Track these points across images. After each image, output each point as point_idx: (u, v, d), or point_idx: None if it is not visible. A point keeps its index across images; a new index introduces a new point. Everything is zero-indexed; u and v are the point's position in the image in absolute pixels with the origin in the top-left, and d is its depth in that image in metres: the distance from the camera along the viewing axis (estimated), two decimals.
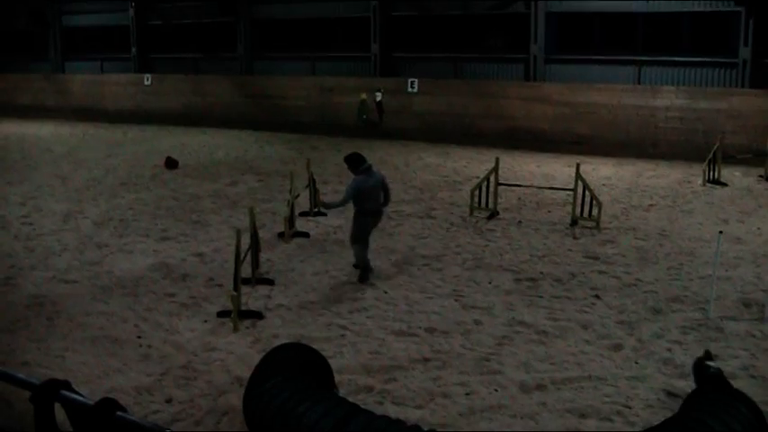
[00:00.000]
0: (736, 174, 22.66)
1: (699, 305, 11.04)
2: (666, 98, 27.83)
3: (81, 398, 4.88)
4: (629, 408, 7.77)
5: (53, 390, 4.81)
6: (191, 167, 23.73)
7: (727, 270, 12.72)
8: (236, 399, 7.59)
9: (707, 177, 21.67)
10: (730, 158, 22.80)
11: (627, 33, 29.90)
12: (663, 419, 6.42)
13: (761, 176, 22.42)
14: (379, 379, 8.41)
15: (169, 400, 7.86)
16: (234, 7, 37.19)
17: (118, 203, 18.08)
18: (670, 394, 8.07)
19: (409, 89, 32.89)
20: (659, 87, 28.39)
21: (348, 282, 12.08)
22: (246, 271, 11.37)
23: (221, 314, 10.39)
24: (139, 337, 9.68)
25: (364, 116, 32.24)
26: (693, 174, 22.68)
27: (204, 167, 23.85)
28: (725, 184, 21.38)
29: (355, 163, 12.42)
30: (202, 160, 25.46)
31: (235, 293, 10.02)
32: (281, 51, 37.55)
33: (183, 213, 17.03)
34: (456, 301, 11.20)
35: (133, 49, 40.46)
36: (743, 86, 27.35)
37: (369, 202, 12.23)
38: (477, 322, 10.28)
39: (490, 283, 12.12)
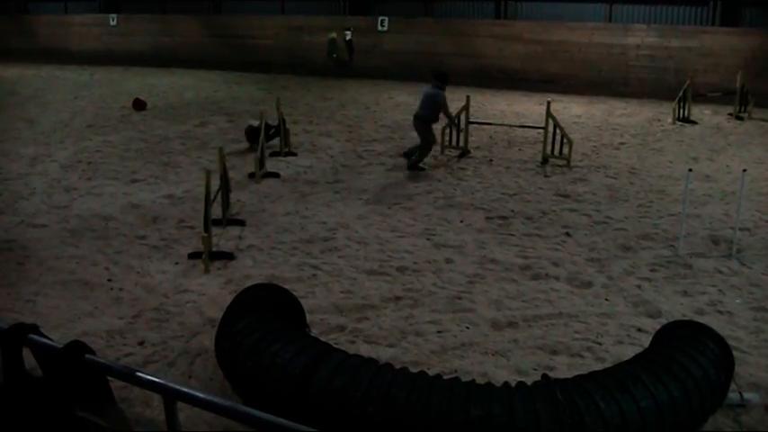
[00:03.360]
0: (706, 112, 22.74)
1: (668, 242, 11.12)
2: (638, 36, 27.79)
3: (49, 341, 4.85)
4: (600, 344, 7.83)
5: (20, 333, 4.77)
6: (159, 109, 23.50)
7: (696, 208, 12.82)
8: (208, 340, 7.59)
9: (677, 116, 21.72)
10: (700, 97, 22.85)
11: None
12: (632, 355, 6.48)
13: (730, 115, 22.51)
14: (351, 318, 8.43)
15: (141, 343, 7.84)
16: None
17: (86, 146, 17.87)
18: (639, 330, 8.15)
19: (379, 28, 32.65)
20: (630, 26, 28.33)
21: (319, 222, 12.06)
22: (217, 212, 11.33)
23: (192, 256, 10.35)
24: (110, 281, 9.62)
25: (334, 55, 32.02)
26: (664, 112, 22.74)
27: (173, 108, 23.62)
28: (695, 123, 21.46)
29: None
30: (171, 101, 25.21)
31: (205, 235, 9.97)
32: None
33: (152, 155, 16.87)
34: (428, 239, 11.22)
35: None
36: (714, 25, 27.38)
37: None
38: (448, 261, 10.31)
39: (462, 221, 12.14)
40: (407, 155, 15.93)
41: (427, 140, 15.33)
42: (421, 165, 15.52)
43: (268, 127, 16.16)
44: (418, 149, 15.55)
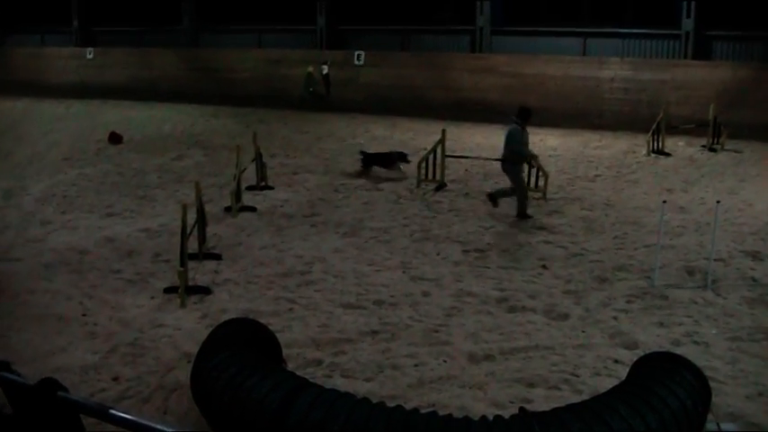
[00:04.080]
0: (680, 144, 22.94)
1: (644, 273, 11.17)
2: (612, 69, 28.08)
3: (20, 378, 4.79)
4: (577, 376, 7.84)
5: None
6: (136, 142, 23.46)
7: (671, 239, 12.89)
8: (184, 375, 7.52)
9: (651, 147, 21.90)
10: (674, 129, 23.06)
11: (572, 5, 30.10)
12: (610, 387, 6.48)
13: (703, 146, 22.72)
14: (327, 352, 8.40)
15: (116, 378, 7.76)
16: None
17: (61, 179, 17.81)
18: (616, 362, 8.16)
19: (356, 61, 32.80)
20: (605, 58, 28.63)
21: (295, 255, 12.03)
22: (193, 246, 11.27)
23: (168, 290, 10.30)
24: (85, 315, 9.55)
25: (311, 89, 32.10)
26: (638, 144, 22.89)
27: (150, 142, 23.60)
28: (669, 155, 21.64)
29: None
30: (148, 134, 25.18)
31: (182, 269, 9.93)
32: (227, 24, 37.28)
33: (128, 189, 16.82)
34: (404, 272, 11.21)
35: (74, 22, 39.82)
36: (686, 58, 27.70)
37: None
38: (425, 294, 10.30)
39: (438, 254, 12.15)
40: (492, 197, 14.80)
41: (519, 183, 14.47)
42: (528, 212, 14.46)
43: (399, 155, 17.33)
44: (506, 193, 14.70)
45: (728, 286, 10.66)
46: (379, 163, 18.31)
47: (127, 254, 12.14)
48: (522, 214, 14.33)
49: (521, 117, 14.43)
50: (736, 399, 7.28)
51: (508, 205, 15.15)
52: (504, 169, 14.51)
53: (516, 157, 14.21)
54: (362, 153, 18.41)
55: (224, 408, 6.03)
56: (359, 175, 18.31)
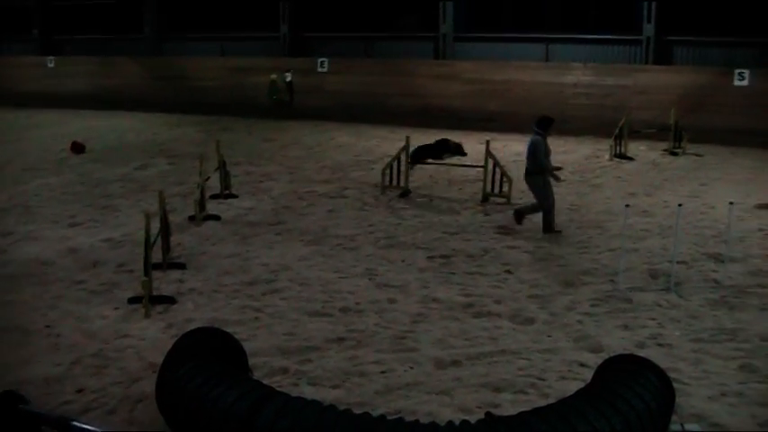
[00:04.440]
0: (642, 148, 23.17)
1: (608, 277, 11.25)
2: (574, 75, 28.33)
3: None
4: (543, 380, 7.87)
5: None
6: (99, 151, 23.28)
7: (634, 242, 13.00)
8: (149, 386, 7.45)
9: (614, 152, 22.10)
10: (636, 133, 23.29)
11: (535, 11, 30.32)
12: (575, 390, 6.51)
13: (665, 150, 22.96)
14: (294, 360, 8.37)
15: (80, 390, 7.68)
16: None
17: (23, 190, 17.63)
18: (582, 365, 8.20)
19: (320, 69, 32.84)
20: (567, 64, 28.89)
21: (261, 264, 11.99)
22: (157, 256, 11.19)
23: (133, 300, 10.21)
24: (48, 327, 9.43)
25: (275, 96, 32.10)
26: (601, 149, 23.08)
27: (113, 151, 23.44)
28: (632, 159, 21.84)
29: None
30: (111, 144, 25.02)
31: (146, 279, 9.85)
32: (190, 32, 37.22)
33: (91, 198, 16.68)
34: (370, 279, 11.21)
35: (35, 31, 39.49)
36: (647, 63, 28.01)
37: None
38: (391, 300, 10.30)
39: (403, 261, 12.16)
40: (518, 213, 14.20)
41: (542, 197, 13.73)
42: (555, 227, 13.89)
43: (444, 146, 16.75)
44: (532, 209, 14.08)
45: (691, 288, 10.77)
46: (432, 154, 17.49)
47: (91, 264, 12.03)
48: (549, 228, 13.77)
49: (541, 127, 13.90)
50: (699, 399, 7.34)
51: (472, 212, 15.22)
52: (528, 182, 13.98)
53: (539, 169, 13.62)
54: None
55: (190, 418, 6.00)
56: (325, 182, 18.32)
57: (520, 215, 14.11)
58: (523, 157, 13.98)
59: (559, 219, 14.76)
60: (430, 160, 17.64)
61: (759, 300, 10.37)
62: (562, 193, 16.89)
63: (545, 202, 13.76)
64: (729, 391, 7.58)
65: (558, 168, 14.86)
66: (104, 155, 22.67)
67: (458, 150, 17.25)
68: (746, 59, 27.10)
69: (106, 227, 14.33)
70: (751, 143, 22.64)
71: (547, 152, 13.73)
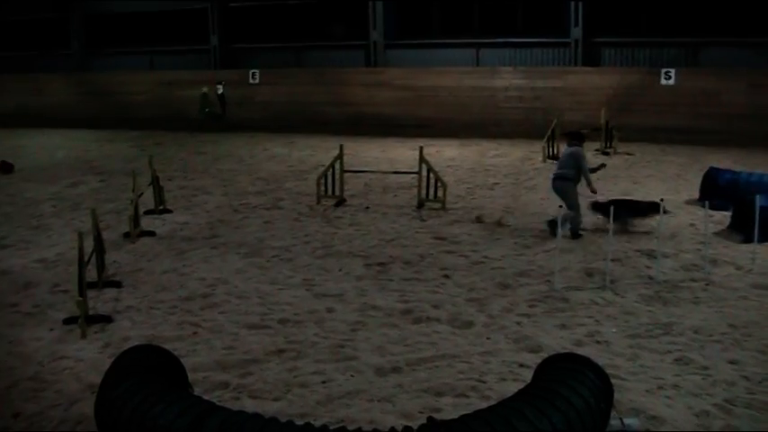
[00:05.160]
0: None
1: (545, 278, 11.37)
2: (505, 79, 28.66)
3: None
4: (484, 382, 7.90)
5: None
6: (28, 171, 22.87)
7: (569, 242, 13.17)
8: (88, 407, 7.33)
9: (547, 154, 22.35)
10: None
11: (464, 17, 30.60)
12: (516, 391, 6.57)
13: (597, 150, 23.29)
14: (234, 374, 8.30)
15: (16, 415, 7.52)
16: (66, 2, 36.16)
17: None
18: (522, 366, 8.26)
19: (251, 80, 32.80)
20: (498, 68, 29.22)
21: (198, 278, 11.90)
22: (92, 274, 11.04)
23: (68, 321, 10.03)
24: None
25: (207, 109, 31.94)
26: (534, 151, 23.34)
27: (43, 170, 23.05)
28: None
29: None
30: (40, 162, 24.61)
31: (81, 298, 9.70)
32: (118, 46, 36.89)
33: (21, 219, 16.37)
34: (308, 290, 11.16)
35: None
36: (576, 65, 28.40)
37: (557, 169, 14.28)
38: (329, 310, 10.27)
39: (341, 270, 12.14)
40: (574, 233, 14.02)
41: (574, 203, 13.96)
42: (580, 231, 14.10)
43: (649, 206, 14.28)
44: (574, 218, 13.99)
45: (626, 285, 10.94)
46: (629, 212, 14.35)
47: (23, 286, 11.77)
48: (576, 234, 13.95)
49: (578, 139, 14.41)
50: (637, 394, 7.44)
51: (407, 218, 15.28)
52: (558, 188, 14.10)
53: (578, 178, 13.94)
54: (608, 203, 13.39)
55: None
56: (260, 194, 18.26)
57: (575, 233, 13.97)
58: (458, 162, 14.10)
59: (495, 221, 14.92)
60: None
61: (691, 293, 10.58)
62: (495, 196, 17.09)
63: (576, 208, 13.95)
64: (666, 384, 7.70)
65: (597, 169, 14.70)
66: (34, 174, 22.29)
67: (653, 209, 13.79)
68: (673, 59, 27.67)
69: (38, 247, 14.07)
70: (679, 140, 23.09)
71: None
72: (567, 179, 13.95)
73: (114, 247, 13.50)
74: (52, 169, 23.11)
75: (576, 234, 13.95)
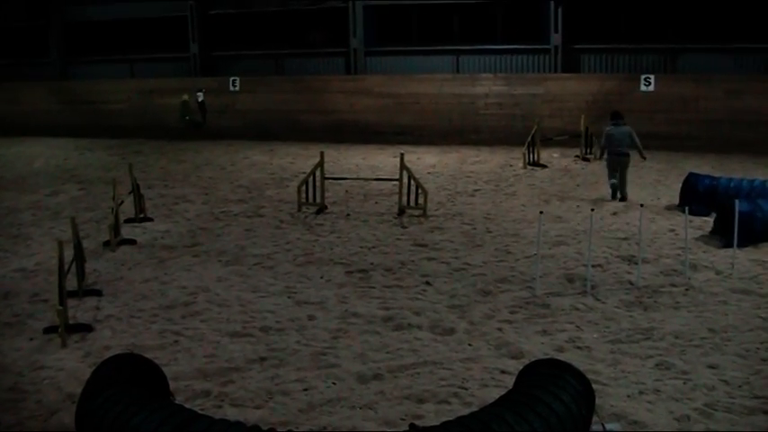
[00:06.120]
0: (555, 155, 23.60)
1: (526, 284, 11.40)
2: (485, 85, 28.73)
3: None
4: (465, 389, 7.91)
5: None
6: (7, 180, 22.73)
7: (550, 248, 13.21)
8: (68, 417, 7.29)
9: (527, 160, 22.42)
10: (548, 141, 23.70)
11: (444, 24, 30.68)
12: (497, 397, 6.58)
13: (577, 156, 23.42)
14: (216, 382, 8.28)
15: None
16: (44, 10, 35.98)
17: None
18: (503, 372, 8.27)
19: (231, 88, 32.72)
20: (477, 75, 29.30)
21: (179, 286, 11.85)
22: (72, 283, 10.99)
23: (48, 330, 9.98)
24: None
25: (187, 117, 31.87)
26: (514, 157, 23.40)
27: (22, 179, 22.91)
28: (545, 166, 22.22)
29: (612, 117, 17.82)
30: (19, 171, 24.46)
31: (61, 308, 9.65)
32: (97, 54, 36.72)
33: (0, 228, 16.25)
34: (289, 297, 11.14)
35: None
36: (556, 71, 28.51)
37: (612, 146, 17.40)
38: (311, 317, 10.25)
39: (322, 277, 12.13)
40: (623, 197, 17.37)
41: (626, 174, 17.48)
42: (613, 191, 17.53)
43: None
44: (621, 184, 17.41)
45: (607, 291, 10.98)
46: None
47: (2, 296, 11.70)
48: (624, 198, 17.31)
49: (621, 117, 17.58)
50: (618, 399, 7.47)
51: (388, 225, 15.30)
52: (623, 162, 17.30)
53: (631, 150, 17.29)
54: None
55: None
56: (241, 201, 18.23)
57: (624, 197, 17.38)
58: (438, 169, 14.19)
59: (476, 228, 14.97)
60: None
61: (671, 298, 10.63)
62: (476, 203, 17.13)
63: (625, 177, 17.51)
64: (647, 388, 7.74)
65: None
66: (13, 183, 22.16)
67: None
68: (652, 65, 27.84)
69: (18, 256, 13.99)
70: (658, 146, 23.11)
71: None
72: (628, 155, 17.28)
73: (94, 256, 13.45)
74: (31, 178, 22.99)
75: (624, 198, 17.27)
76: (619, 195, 17.31)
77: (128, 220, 15.95)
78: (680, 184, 16.65)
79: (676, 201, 16.63)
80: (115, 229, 14.35)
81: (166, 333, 9.88)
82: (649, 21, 28.06)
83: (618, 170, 17.28)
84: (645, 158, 17.69)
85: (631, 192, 17.62)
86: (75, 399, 7.10)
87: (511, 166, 22.63)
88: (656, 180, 19.90)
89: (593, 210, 11.74)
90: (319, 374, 8.41)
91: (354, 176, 18.93)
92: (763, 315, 9.94)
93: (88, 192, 20.32)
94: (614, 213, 15.87)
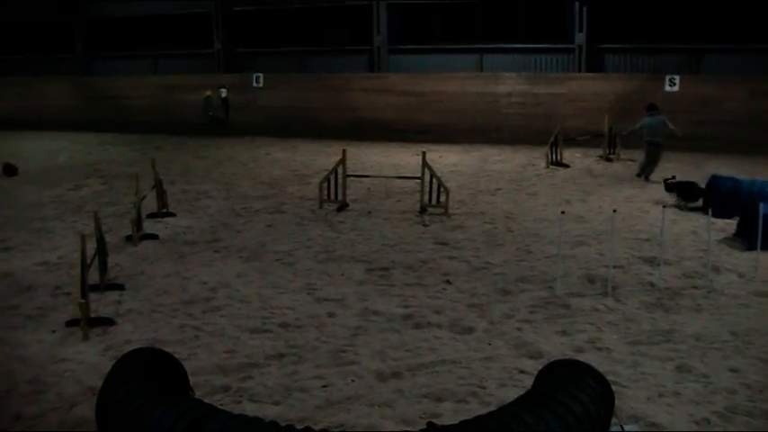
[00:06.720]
0: (577, 155, 23.51)
1: (546, 284, 11.36)
2: (508, 84, 28.64)
3: None
4: (484, 388, 7.89)
5: None
6: (31, 173, 22.86)
7: (571, 248, 13.16)
8: (88, 410, 7.32)
9: (549, 160, 22.36)
10: (570, 141, 23.60)
11: (467, 22, 30.61)
12: (516, 397, 6.56)
13: (600, 157, 23.32)
14: (235, 378, 8.30)
15: (17, 418, 7.52)
16: (70, 6, 36.16)
17: None
18: (522, 372, 8.25)
19: (254, 84, 32.78)
20: (500, 74, 29.20)
21: (199, 282, 11.89)
22: (94, 277, 11.04)
23: (70, 323, 10.04)
24: None
25: (210, 113, 31.94)
26: (537, 157, 23.35)
27: (45, 173, 23.04)
28: (567, 166, 22.13)
29: (648, 108, 20.32)
30: (43, 165, 24.59)
31: (83, 301, 9.69)
32: (121, 50, 36.89)
33: (24, 221, 16.36)
34: (309, 294, 11.16)
35: None
36: (579, 71, 28.41)
37: (649, 136, 19.83)
38: (330, 314, 10.26)
39: (342, 274, 12.13)
40: (647, 178, 19.96)
41: (656, 157, 20.02)
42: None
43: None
44: (647, 166, 20.07)
45: (628, 292, 10.93)
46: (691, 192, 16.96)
47: (25, 288, 11.77)
48: (648, 179, 19.77)
49: (655, 108, 20.10)
50: (637, 401, 7.44)
51: (409, 223, 15.29)
52: (656, 151, 19.90)
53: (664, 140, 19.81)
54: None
55: None
56: (262, 198, 18.25)
57: (647, 177, 19.90)
58: (460, 167, 14.20)
59: (497, 227, 14.93)
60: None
61: (693, 301, 10.57)
62: (498, 202, 17.10)
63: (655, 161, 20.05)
64: (666, 391, 7.70)
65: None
66: (37, 177, 22.28)
67: None
68: (676, 66, 27.68)
69: (40, 250, 14.06)
70: (682, 148, 22.99)
71: None
72: (661, 144, 19.78)
73: (116, 250, 13.50)
74: (54, 172, 23.12)
75: (647, 178, 19.75)
76: (644, 175, 19.88)
77: (150, 215, 16.01)
78: (703, 186, 16.54)
79: (699, 202, 16.53)
80: (137, 223, 14.41)
81: (186, 328, 9.90)
82: (674, 21, 27.91)
83: (652, 157, 19.78)
84: (680, 136, 19.60)
85: (654, 192, 17.53)
86: (95, 392, 7.10)
87: (533, 165, 22.57)
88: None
89: (615, 210, 11.70)
90: (338, 372, 8.41)
91: (376, 174, 18.90)
92: None
93: (110, 186, 20.41)
94: (637, 216, 15.76)
